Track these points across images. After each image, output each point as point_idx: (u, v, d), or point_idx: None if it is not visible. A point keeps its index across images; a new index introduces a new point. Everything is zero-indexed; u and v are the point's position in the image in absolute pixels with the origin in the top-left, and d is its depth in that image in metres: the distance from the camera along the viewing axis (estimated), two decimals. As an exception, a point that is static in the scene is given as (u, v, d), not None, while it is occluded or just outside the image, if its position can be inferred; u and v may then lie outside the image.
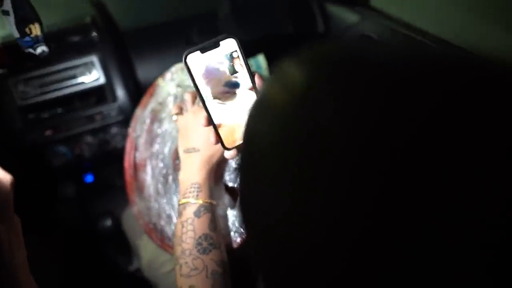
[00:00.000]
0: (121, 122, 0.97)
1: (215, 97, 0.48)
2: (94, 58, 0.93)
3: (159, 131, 0.75)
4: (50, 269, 1.00)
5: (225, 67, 0.48)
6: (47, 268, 0.99)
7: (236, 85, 0.49)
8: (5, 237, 0.35)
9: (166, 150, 0.74)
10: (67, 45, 0.93)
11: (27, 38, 0.51)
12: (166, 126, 0.75)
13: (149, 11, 1.02)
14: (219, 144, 0.50)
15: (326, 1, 1.01)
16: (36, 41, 0.51)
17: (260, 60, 0.93)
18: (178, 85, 0.75)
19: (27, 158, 0.93)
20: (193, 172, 0.59)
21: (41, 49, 0.51)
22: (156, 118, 0.76)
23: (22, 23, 0.50)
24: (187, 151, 0.60)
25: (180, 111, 0.64)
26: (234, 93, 0.49)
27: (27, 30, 0.50)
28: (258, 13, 1.02)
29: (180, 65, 0.76)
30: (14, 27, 0.50)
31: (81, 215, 1.18)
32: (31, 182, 1.01)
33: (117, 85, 0.94)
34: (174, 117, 0.65)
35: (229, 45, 0.47)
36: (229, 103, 0.49)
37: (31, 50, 0.51)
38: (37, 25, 0.51)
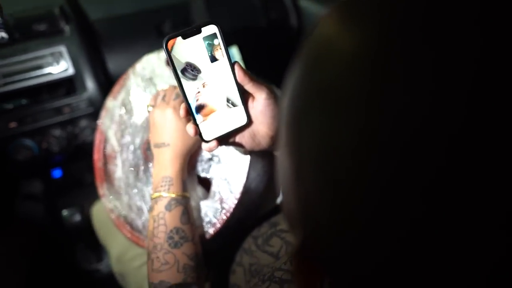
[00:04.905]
0: (91, 115, 0.94)
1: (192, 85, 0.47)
2: (63, 48, 0.90)
3: (129, 122, 0.74)
4: (14, 268, 0.96)
5: (205, 55, 0.46)
6: (11, 267, 0.95)
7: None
8: None
9: (137, 141, 0.72)
10: (33, 34, 0.90)
11: (-16, 22, 0.48)
12: (137, 117, 0.73)
13: (120, 1, 1.00)
14: (190, 137, 0.48)
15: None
16: (-5, 25, 0.49)
17: (234, 51, 0.92)
18: (149, 77, 0.74)
19: (-10, 151, 0.89)
20: (164, 166, 0.58)
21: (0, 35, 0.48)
22: (126, 109, 0.74)
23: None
24: (157, 146, 0.59)
25: (155, 103, 0.63)
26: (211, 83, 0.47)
27: (-15, 13, 0.48)
28: (231, 6, 1.02)
29: (151, 56, 0.75)
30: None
31: (48, 211, 1.14)
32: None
33: (86, 76, 0.91)
34: (150, 108, 0.63)
35: (210, 32, 0.46)
36: (207, 93, 0.47)
37: (-11, 34, 0.49)
38: (-4, 9, 0.48)
